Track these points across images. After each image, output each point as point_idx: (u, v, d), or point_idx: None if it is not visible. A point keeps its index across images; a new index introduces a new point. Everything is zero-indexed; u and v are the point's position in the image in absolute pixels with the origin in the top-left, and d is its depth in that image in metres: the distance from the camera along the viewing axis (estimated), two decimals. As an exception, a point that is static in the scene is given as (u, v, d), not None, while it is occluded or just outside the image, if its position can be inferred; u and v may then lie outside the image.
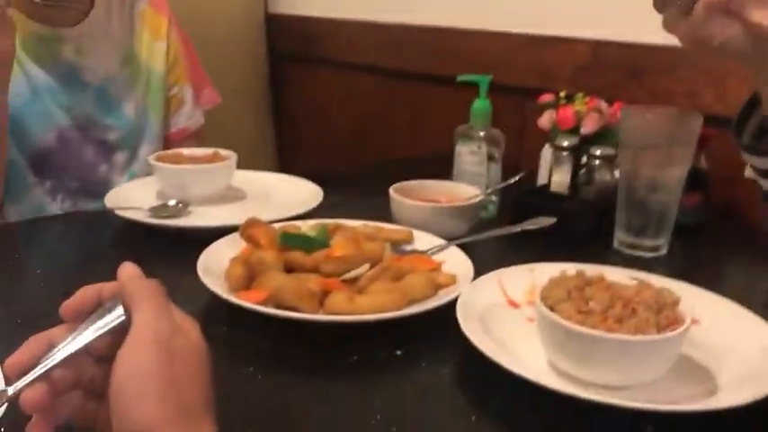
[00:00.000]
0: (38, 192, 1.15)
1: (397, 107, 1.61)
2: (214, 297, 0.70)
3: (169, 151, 1.11)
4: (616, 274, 0.66)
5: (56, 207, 1.16)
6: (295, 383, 0.62)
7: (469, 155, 1.05)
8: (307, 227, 0.86)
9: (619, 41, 1.22)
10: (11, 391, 0.41)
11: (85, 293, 0.46)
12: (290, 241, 0.78)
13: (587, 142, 1.03)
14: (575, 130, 1.05)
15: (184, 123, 1.33)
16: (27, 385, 0.41)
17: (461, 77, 1.04)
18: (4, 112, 1.03)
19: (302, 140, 1.91)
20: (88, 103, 1.18)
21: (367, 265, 0.75)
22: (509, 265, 0.77)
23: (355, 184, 1.22)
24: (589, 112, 1.05)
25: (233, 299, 0.69)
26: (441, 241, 0.86)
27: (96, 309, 0.45)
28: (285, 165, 1.87)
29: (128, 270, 0.47)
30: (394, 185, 0.98)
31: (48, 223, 1.06)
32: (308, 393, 0.61)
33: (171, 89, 1.31)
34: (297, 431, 0.56)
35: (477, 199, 0.96)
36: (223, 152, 1.11)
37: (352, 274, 0.74)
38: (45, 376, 0.42)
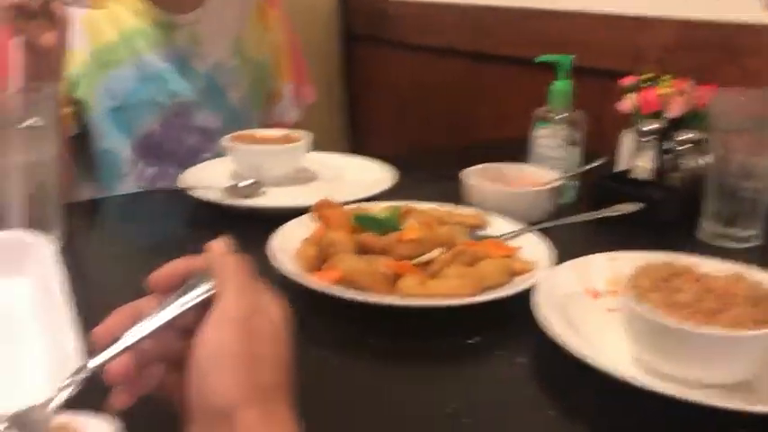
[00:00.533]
0: (132, 181, 1.18)
1: (476, 89, 1.57)
2: (285, 278, 0.69)
3: (243, 132, 1.12)
4: (706, 265, 0.62)
5: None
6: (366, 367, 0.61)
7: (548, 138, 1.01)
8: (379, 209, 0.85)
9: (709, 20, 1.15)
10: (92, 364, 0.41)
11: (175, 266, 0.46)
12: (363, 223, 0.77)
13: (672, 126, 0.98)
14: (658, 114, 0.99)
15: (282, 117, 1.33)
16: (112, 357, 0.41)
17: (541, 58, 1.00)
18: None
19: (375, 123, 1.90)
20: (195, 91, 1.19)
21: (440, 250, 0.73)
22: (588, 252, 0.74)
23: (429, 168, 1.20)
24: (674, 96, 0.99)
25: (304, 280, 0.68)
26: (516, 226, 0.83)
27: (184, 282, 0.45)
28: (357, 147, 1.86)
29: (217, 245, 0.47)
30: (468, 169, 0.95)
31: (125, 201, 1.08)
32: (378, 379, 0.59)
33: (274, 82, 1.31)
34: (366, 417, 0.54)
35: (556, 183, 0.93)
36: (296, 133, 1.10)
37: (425, 257, 0.72)
38: (131, 348, 0.42)
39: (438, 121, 1.69)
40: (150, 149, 1.17)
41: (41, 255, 0.62)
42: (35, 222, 0.78)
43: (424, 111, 1.73)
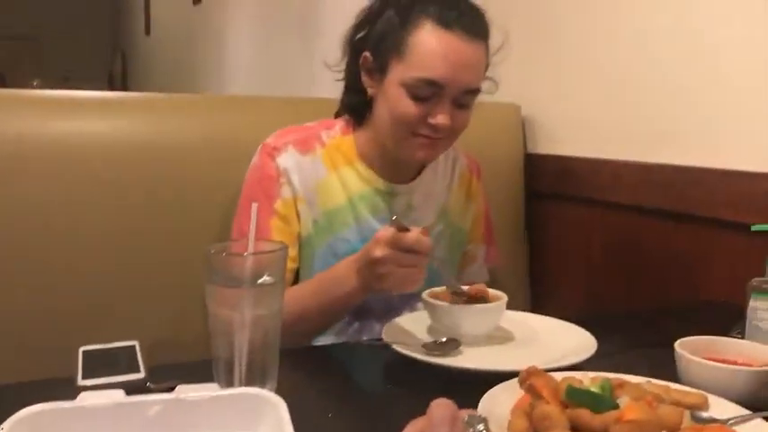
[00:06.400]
0: (336, 333, 1.24)
1: (669, 251, 1.52)
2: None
3: (438, 289, 1.14)
4: None
5: None
6: None
7: (766, 311, 0.95)
8: (588, 380, 0.82)
9: None
10: None
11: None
12: (577, 397, 0.75)
13: None
14: None
15: (474, 278, 1.38)
16: None
17: (757, 226, 0.96)
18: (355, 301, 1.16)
19: (556, 279, 1.87)
20: None
21: (663, 433, 0.69)
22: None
23: (627, 333, 1.16)
24: None
25: (520, 455, 0.66)
26: (740, 410, 0.77)
27: None
28: (538, 303, 1.84)
29: (439, 409, 0.47)
30: (680, 341, 0.91)
31: (332, 351, 1.13)
32: None
33: (470, 245, 1.38)
34: None
35: (784, 364, 0.86)
36: (491, 292, 1.12)
37: (647, 441, 0.68)
38: None
39: (627, 280, 1.64)
40: (360, 306, 1.23)
41: (276, 413, 0.65)
42: (257, 371, 0.83)
43: (610, 269, 1.69)
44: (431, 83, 1.14)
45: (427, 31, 1.15)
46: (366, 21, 1.23)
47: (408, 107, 1.16)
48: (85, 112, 1.42)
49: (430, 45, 1.14)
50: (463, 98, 1.18)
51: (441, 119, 1.15)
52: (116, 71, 8.59)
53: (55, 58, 8.27)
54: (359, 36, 1.23)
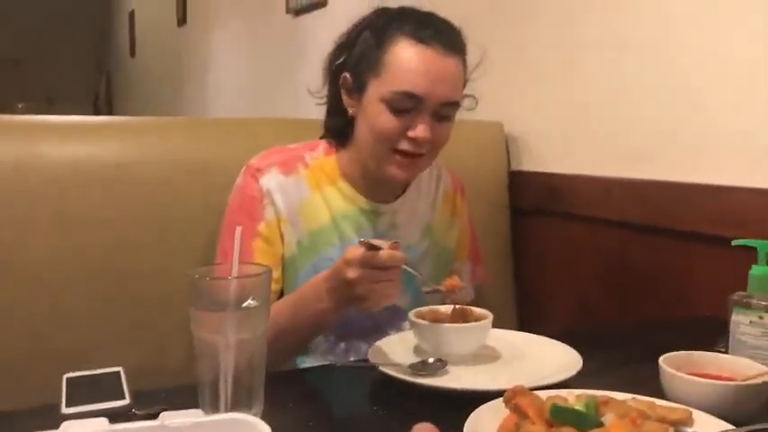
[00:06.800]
0: (322, 353, 1.24)
1: (655, 266, 1.53)
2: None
3: (425, 308, 1.15)
4: None
5: None
6: None
7: (749, 325, 0.96)
8: (573, 398, 0.82)
9: None
10: None
11: None
12: (561, 416, 0.75)
13: None
14: None
15: (460, 297, 1.38)
16: None
17: (737, 241, 0.98)
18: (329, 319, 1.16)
19: (542, 296, 1.88)
20: None
21: (647, 450, 0.69)
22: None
23: (613, 349, 1.16)
24: None
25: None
26: (726, 425, 0.77)
27: None
28: (525, 320, 1.84)
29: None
30: (664, 356, 0.91)
31: (318, 373, 1.13)
32: None
33: (455, 263, 1.38)
34: None
35: (766, 377, 0.86)
36: (477, 311, 1.12)
37: (632, 458, 0.68)
38: None
39: (612, 295, 1.65)
40: (343, 325, 1.23)
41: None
42: (243, 395, 0.83)
43: (595, 285, 1.70)
44: (409, 95, 1.16)
45: (403, 47, 1.17)
46: (344, 45, 1.25)
47: (388, 122, 1.17)
48: (69, 137, 1.42)
49: (406, 59, 1.16)
50: (442, 111, 1.19)
51: (420, 130, 1.16)
52: (101, 93, 8.57)
53: (39, 80, 8.24)
54: (338, 61, 1.25)
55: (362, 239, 1.04)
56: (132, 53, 7.01)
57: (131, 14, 6.95)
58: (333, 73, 1.26)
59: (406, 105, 1.16)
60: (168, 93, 5.67)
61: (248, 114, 3.70)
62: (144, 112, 6.32)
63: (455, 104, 1.21)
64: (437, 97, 1.17)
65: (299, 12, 3.17)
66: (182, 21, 5.10)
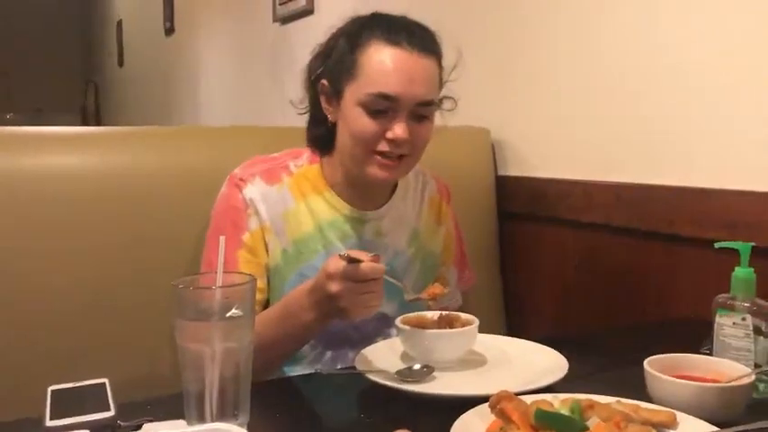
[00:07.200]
0: (309, 362, 1.24)
1: (640, 269, 1.54)
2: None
3: (412, 315, 1.15)
4: None
5: None
6: None
7: (732, 327, 0.96)
8: (558, 402, 0.83)
9: None
10: None
11: None
12: (546, 420, 0.75)
13: None
14: None
15: (446, 303, 1.38)
16: None
17: (720, 244, 0.98)
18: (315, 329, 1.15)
19: (530, 300, 1.88)
20: None
21: (631, 453, 0.69)
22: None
23: (599, 352, 1.17)
24: None
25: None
26: (710, 427, 0.78)
27: None
28: (513, 324, 1.84)
29: None
30: (649, 359, 0.92)
31: (304, 381, 1.12)
32: None
33: (442, 268, 1.39)
34: None
35: (750, 379, 0.87)
36: (463, 316, 1.12)
37: (616, 461, 0.69)
38: None
39: (599, 299, 1.65)
40: (330, 334, 1.23)
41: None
42: (229, 405, 0.83)
43: (582, 289, 1.71)
44: (384, 96, 1.16)
45: (375, 49, 1.18)
46: (322, 54, 1.26)
47: (366, 125, 1.18)
48: (57, 147, 1.42)
49: (379, 61, 1.17)
50: (419, 111, 1.19)
51: (398, 130, 1.17)
52: (89, 103, 8.54)
53: (27, 90, 8.22)
54: (318, 71, 1.25)
55: (341, 254, 1.04)
56: (120, 63, 7.00)
57: (119, 24, 6.94)
58: (312, 82, 1.27)
59: (381, 107, 1.17)
60: (157, 102, 5.66)
61: (237, 123, 3.70)
62: (132, 121, 6.30)
63: (431, 104, 1.22)
64: (412, 97, 1.17)
65: (286, 20, 3.18)
66: (170, 30, 5.09)
